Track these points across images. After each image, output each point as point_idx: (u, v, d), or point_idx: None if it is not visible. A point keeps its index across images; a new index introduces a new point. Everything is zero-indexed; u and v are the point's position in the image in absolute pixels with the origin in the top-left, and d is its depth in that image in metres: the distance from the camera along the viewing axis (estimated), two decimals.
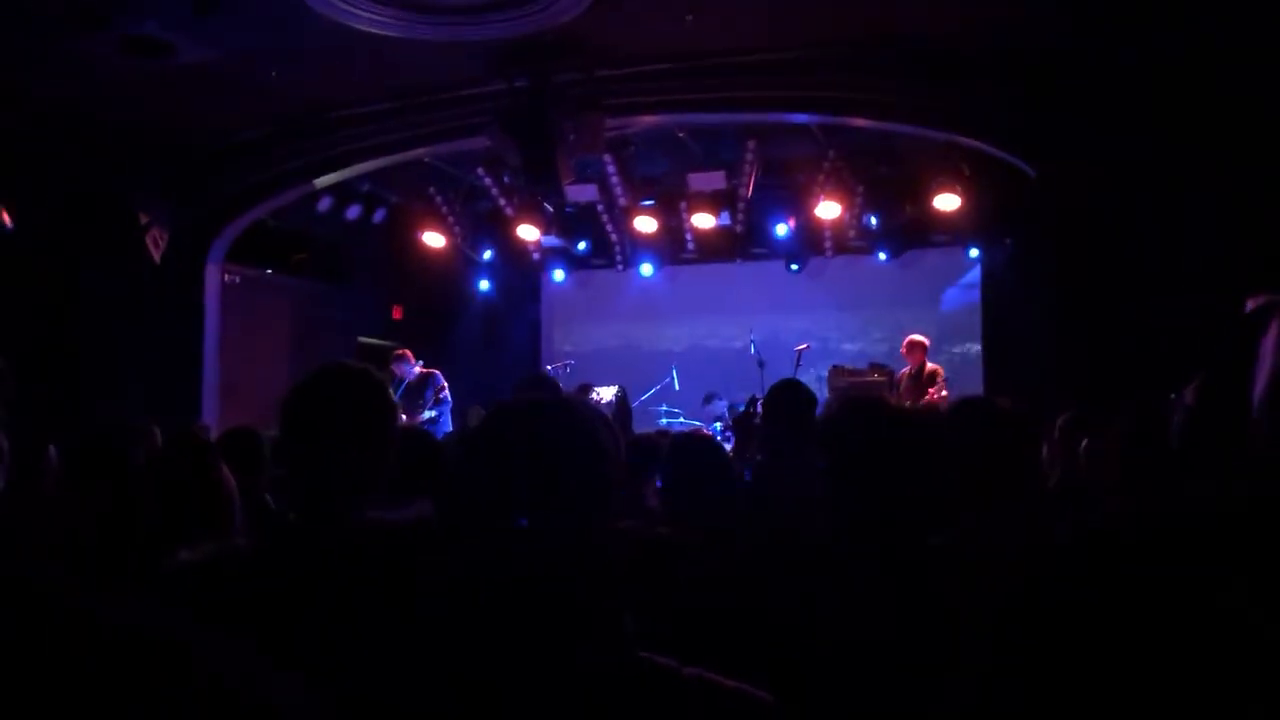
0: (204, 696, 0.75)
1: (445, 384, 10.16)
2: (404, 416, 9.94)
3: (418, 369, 10.21)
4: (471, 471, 1.35)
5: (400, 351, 10.30)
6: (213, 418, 10.40)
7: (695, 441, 3.41)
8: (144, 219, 10.11)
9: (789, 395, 4.14)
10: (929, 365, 10.10)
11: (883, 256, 12.27)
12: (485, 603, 1.28)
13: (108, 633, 0.75)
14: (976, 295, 12.47)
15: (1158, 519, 0.88)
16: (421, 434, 3.42)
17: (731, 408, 11.26)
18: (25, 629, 0.72)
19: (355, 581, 1.66)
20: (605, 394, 10.78)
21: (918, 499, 2.21)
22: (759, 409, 6.13)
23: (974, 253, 12.12)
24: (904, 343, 10.32)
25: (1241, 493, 0.86)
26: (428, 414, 9.97)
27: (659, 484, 3.53)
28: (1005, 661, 0.88)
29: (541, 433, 1.33)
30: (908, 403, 9.74)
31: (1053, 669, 0.84)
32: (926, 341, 10.22)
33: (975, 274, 12.46)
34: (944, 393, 9.58)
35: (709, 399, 11.99)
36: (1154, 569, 0.83)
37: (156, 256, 10.26)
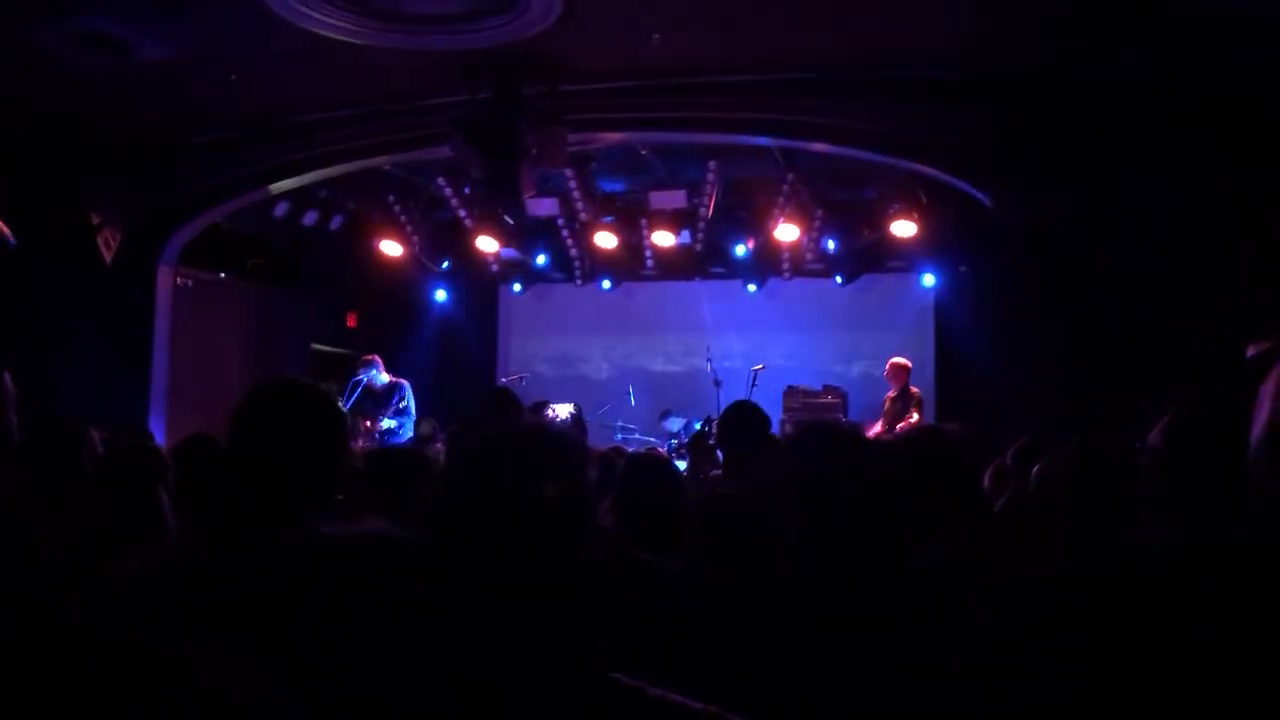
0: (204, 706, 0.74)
1: (411, 397, 10.06)
2: (368, 423, 9.85)
3: (385, 376, 10.10)
4: (462, 497, 1.35)
5: (369, 356, 10.19)
6: (161, 422, 10.24)
7: (650, 461, 3.41)
8: (96, 219, 9.95)
9: (743, 416, 4.15)
10: (911, 388, 10.23)
11: (839, 280, 12.37)
12: (460, 624, 1.27)
13: (106, 642, 0.74)
14: (930, 320, 12.61)
15: (1166, 555, 0.89)
16: (398, 455, 3.38)
17: (687, 426, 11.29)
18: (21, 636, 0.71)
19: (301, 596, 1.64)
20: (561, 411, 10.75)
21: (875, 521, 2.22)
22: (714, 429, 6.14)
23: (929, 279, 12.27)
24: (887, 366, 10.45)
25: (1244, 530, 0.88)
26: (386, 423, 9.87)
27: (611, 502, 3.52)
28: (988, 687, 0.88)
29: (532, 463, 1.33)
30: (886, 424, 9.90)
31: (1038, 700, 0.85)
32: (909, 364, 10.34)
33: (929, 299, 12.61)
34: (914, 417, 9.73)
35: (665, 414, 12.01)
36: (1178, 602, 0.84)
37: (108, 257, 10.09)
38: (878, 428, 9.98)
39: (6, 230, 2.29)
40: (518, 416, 3.85)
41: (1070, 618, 0.86)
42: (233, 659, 0.81)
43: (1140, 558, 0.89)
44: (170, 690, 0.74)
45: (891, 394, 10.31)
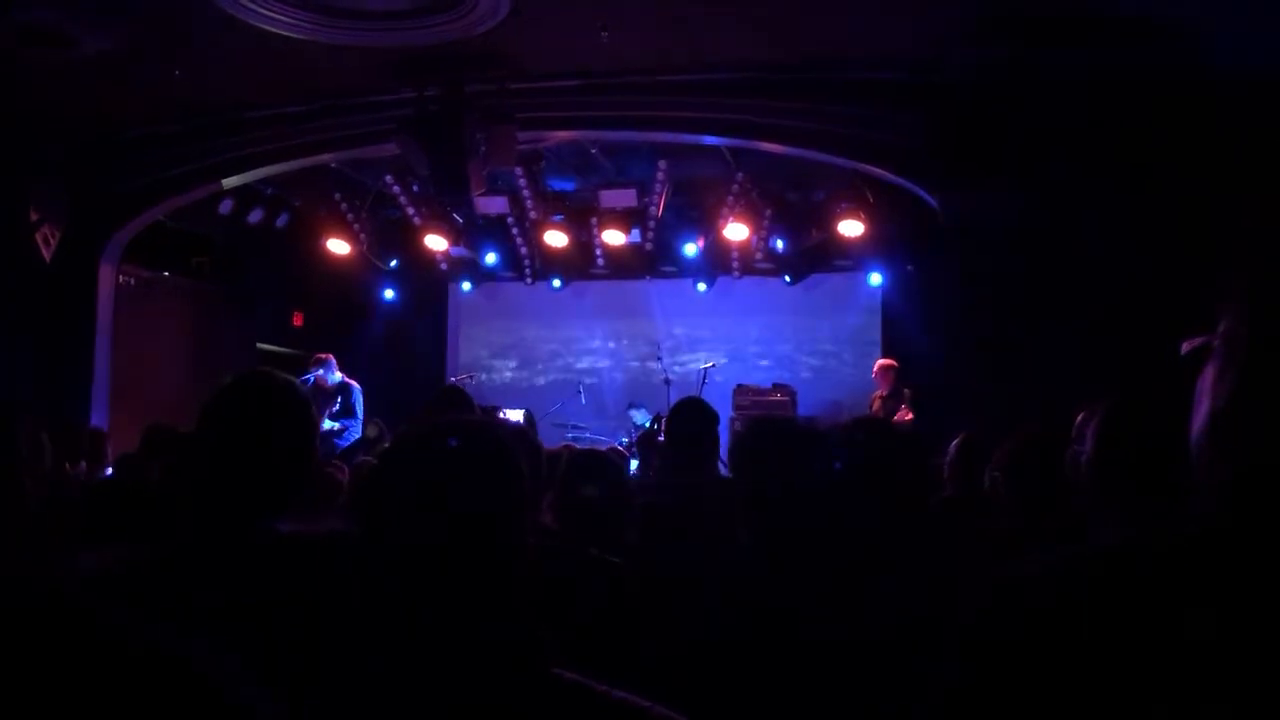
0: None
1: (360, 399, 9.93)
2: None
3: (338, 375, 9.94)
4: (390, 491, 1.35)
5: (324, 355, 10.02)
6: (103, 419, 10.06)
7: (590, 460, 3.42)
8: (35, 215, 9.75)
9: (690, 413, 4.18)
10: (904, 388, 10.34)
11: (788, 279, 12.46)
12: (400, 620, 1.27)
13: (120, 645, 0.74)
14: (878, 319, 12.75)
15: (1127, 547, 0.92)
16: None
17: (656, 417, 11.32)
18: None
19: (266, 595, 1.64)
20: (513, 416, 10.72)
21: (824, 513, 2.26)
22: (663, 426, 6.17)
23: (876, 278, 12.40)
24: (875, 367, 10.58)
25: (1193, 525, 0.91)
26: (326, 424, 9.72)
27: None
28: (959, 681, 0.91)
29: (461, 453, 1.33)
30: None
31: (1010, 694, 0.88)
32: (896, 364, 10.47)
33: (876, 298, 12.75)
34: (909, 416, 9.84)
35: (631, 405, 12.06)
36: (1132, 596, 0.87)
37: (47, 255, 9.90)
38: None
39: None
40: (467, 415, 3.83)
41: (1043, 618, 0.89)
42: (215, 654, 0.82)
43: (1104, 556, 0.92)
44: (158, 689, 0.74)
45: (881, 393, 10.44)
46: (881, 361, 10.68)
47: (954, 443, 4.81)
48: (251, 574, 1.72)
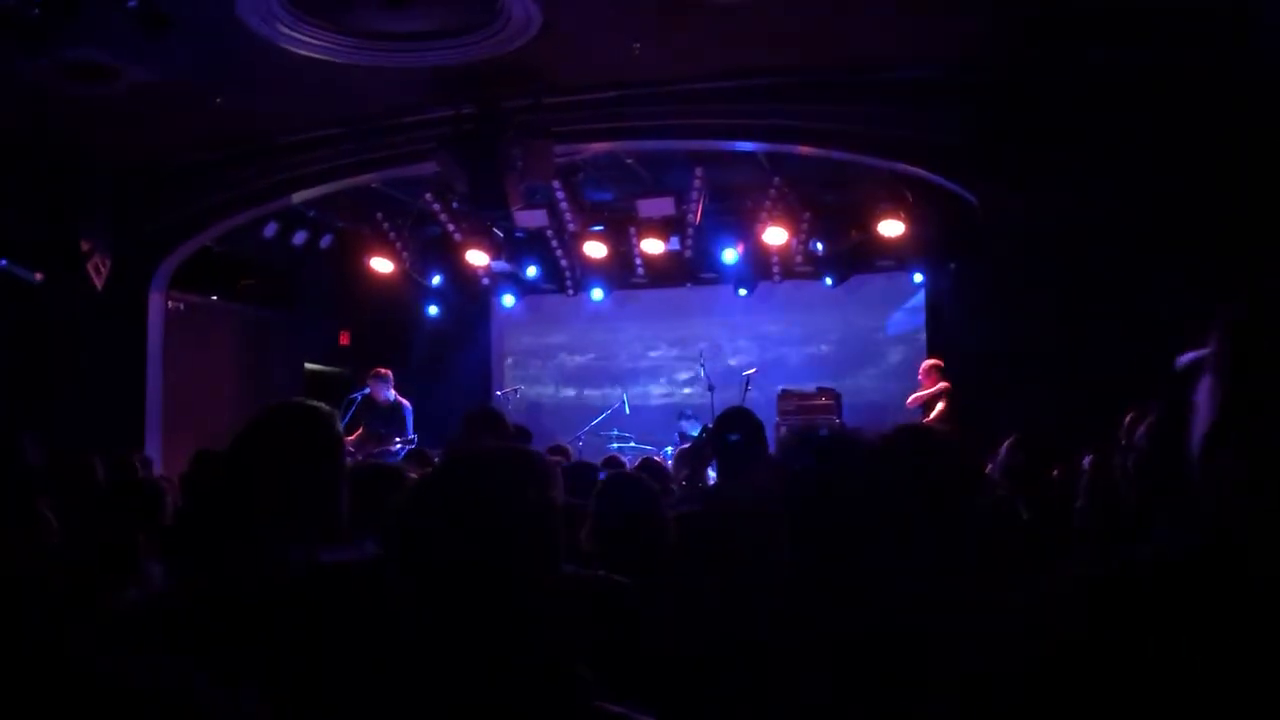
0: None
1: (410, 419, 10.04)
2: (358, 436, 9.82)
3: (392, 394, 10.07)
4: (423, 523, 1.37)
5: (383, 370, 10.15)
6: (156, 447, 10.24)
7: (622, 485, 3.41)
8: (86, 246, 9.95)
9: (736, 423, 4.17)
10: (942, 384, 10.31)
11: (829, 281, 12.39)
12: (433, 651, 1.29)
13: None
14: (922, 319, 12.63)
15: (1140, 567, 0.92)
16: (374, 471, 3.38)
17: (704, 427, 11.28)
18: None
19: (302, 623, 1.66)
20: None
21: (870, 530, 2.23)
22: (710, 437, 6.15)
23: (918, 277, 12.29)
24: (921, 367, 10.53)
25: (1181, 543, 0.91)
26: (399, 445, 9.81)
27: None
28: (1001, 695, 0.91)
29: (492, 487, 1.35)
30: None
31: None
32: (940, 363, 10.43)
33: (920, 298, 12.63)
34: (938, 407, 9.82)
35: (682, 415, 12.04)
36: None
37: (99, 284, 10.10)
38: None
39: (25, 270, 2.31)
40: (501, 437, 3.84)
41: (1093, 627, 0.88)
42: (223, 691, 0.83)
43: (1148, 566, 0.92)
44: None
45: (924, 391, 10.40)
46: (927, 361, 10.62)
47: (1005, 444, 4.76)
48: (284, 604, 1.74)
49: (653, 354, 13.99)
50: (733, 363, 12.55)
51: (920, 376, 10.46)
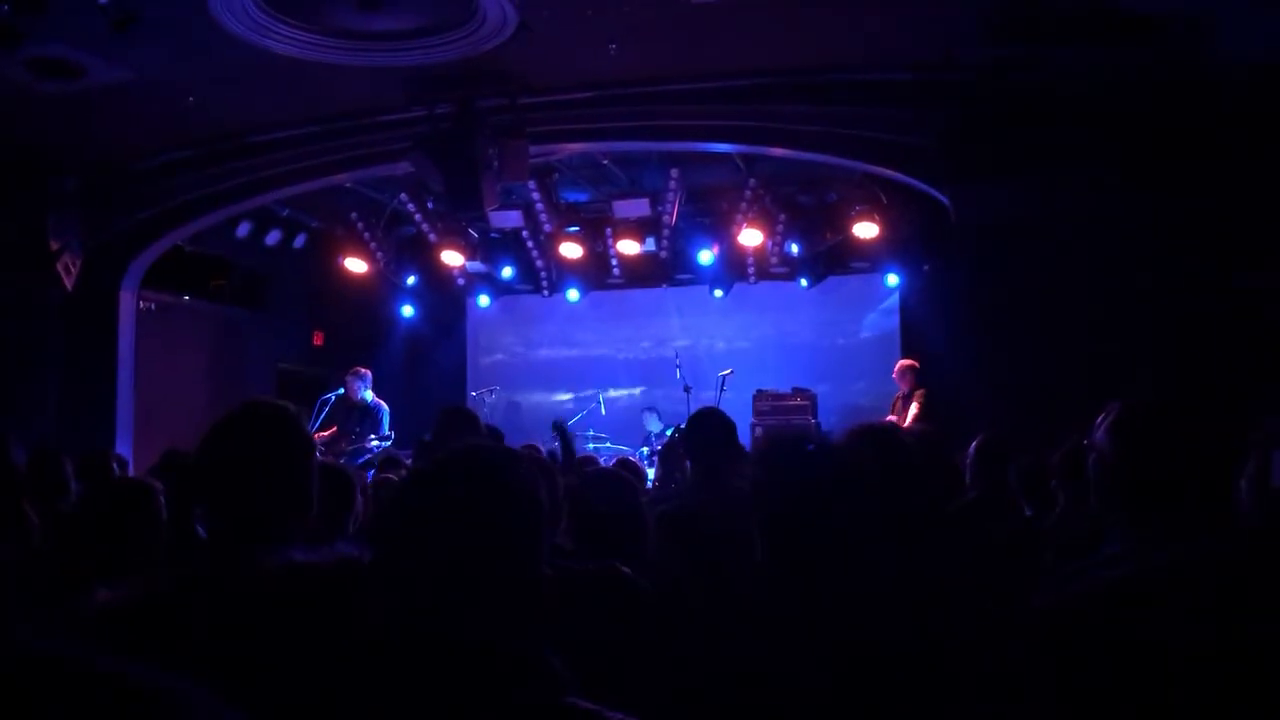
0: None
1: (386, 419, 10.01)
2: (332, 434, 9.79)
3: (370, 394, 10.03)
4: (405, 521, 1.37)
5: (361, 369, 10.12)
6: (128, 447, 10.14)
7: (603, 483, 3.42)
8: (55, 244, 9.85)
9: (708, 424, 4.18)
10: (917, 388, 10.37)
11: (804, 283, 12.44)
12: (411, 648, 1.29)
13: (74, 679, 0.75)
14: (896, 320, 12.71)
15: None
16: (337, 472, 3.37)
17: (663, 431, 11.31)
18: None
19: (276, 626, 1.65)
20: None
21: (838, 531, 2.25)
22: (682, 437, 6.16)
23: (893, 279, 12.36)
24: (896, 367, 10.60)
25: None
26: (374, 442, 9.80)
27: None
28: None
29: (477, 485, 1.35)
30: (896, 420, 10.06)
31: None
32: (916, 364, 10.49)
33: (894, 299, 12.71)
34: (915, 412, 9.88)
35: (647, 410, 12.07)
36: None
37: (69, 284, 10.00)
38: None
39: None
40: (474, 437, 3.84)
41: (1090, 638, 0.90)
42: (200, 692, 0.83)
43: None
44: None
45: (903, 392, 10.48)
46: (902, 362, 10.68)
47: (973, 444, 4.79)
48: (259, 605, 1.74)
49: (629, 355, 13.99)
50: (709, 363, 12.57)
51: (895, 377, 10.53)
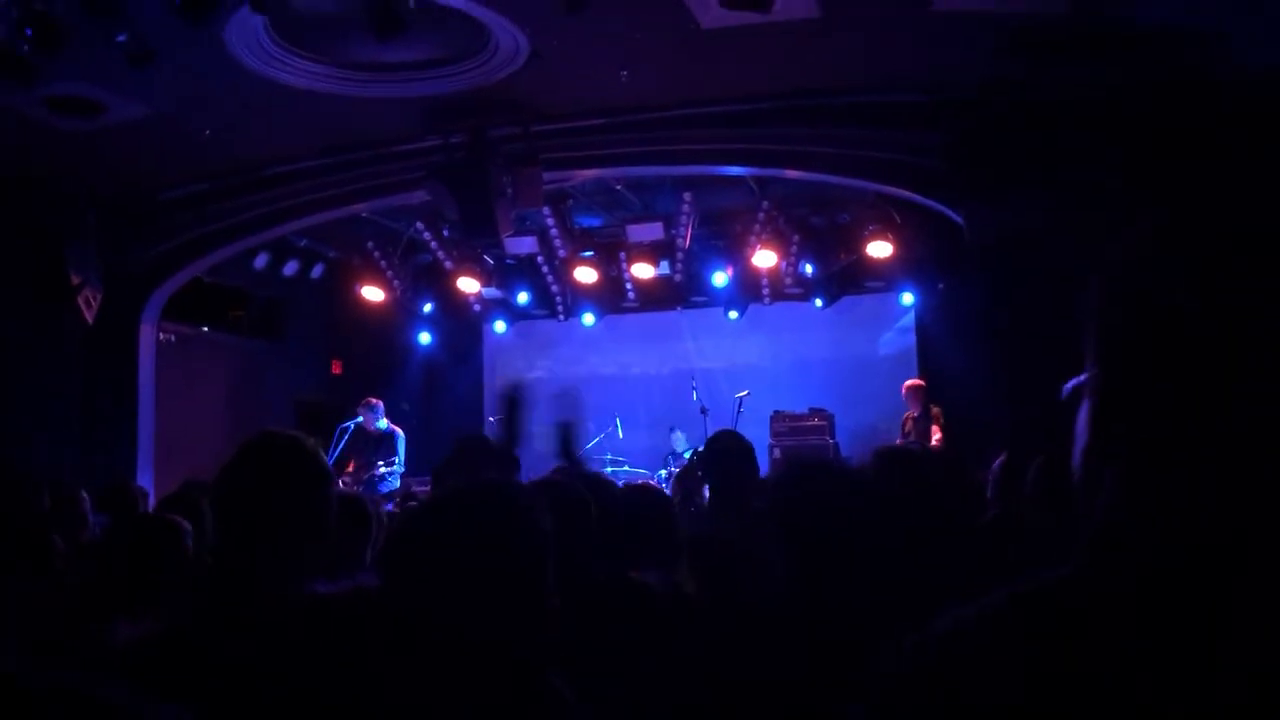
0: None
1: (403, 448, 10.10)
2: (353, 467, 9.87)
3: (384, 422, 10.13)
4: (413, 555, 1.39)
5: (373, 400, 10.23)
6: (148, 478, 10.20)
7: (646, 496, 3.44)
8: (76, 279, 9.95)
9: (726, 447, 4.18)
10: (932, 408, 10.43)
11: (819, 303, 12.44)
12: (426, 675, 1.30)
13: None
14: (912, 338, 12.68)
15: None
16: (354, 500, 3.39)
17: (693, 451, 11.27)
18: None
19: (297, 658, 1.66)
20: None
21: (860, 553, 2.25)
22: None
23: (908, 298, 12.35)
24: (904, 388, 10.64)
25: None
26: (382, 469, 9.89)
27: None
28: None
29: (483, 521, 1.37)
30: (907, 441, 10.14)
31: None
32: (924, 383, 10.53)
33: (910, 318, 12.68)
34: (938, 433, 9.86)
35: (674, 429, 12.03)
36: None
37: (90, 317, 10.09)
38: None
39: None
40: (489, 464, 3.85)
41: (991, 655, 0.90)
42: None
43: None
44: None
45: (913, 414, 10.52)
46: (910, 382, 10.71)
47: (996, 462, 4.77)
48: (279, 638, 1.75)
49: (645, 378, 13.98)
50: (725, 385, 12.55)
51: (904, 396, 10.54)
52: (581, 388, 14.04)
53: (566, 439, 3.65)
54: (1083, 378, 1.05)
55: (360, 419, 10.13)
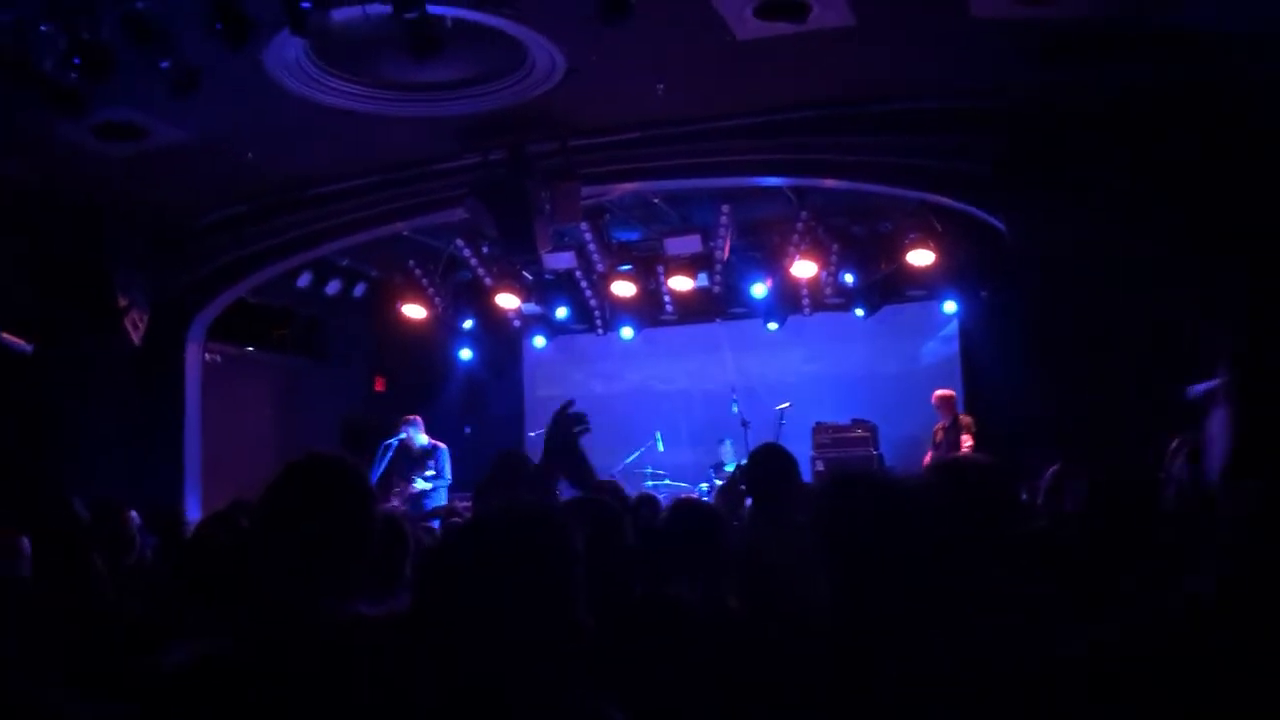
0: None
1: (448, 462, 10.18)
2: (400, 485, 9.96)
3: (424, 438, 10.22)
4: (445, 577, 1.38)
5: (411, 416, 10.35)
6: (195, 497, 10.32)
7: (694, 511, 3.43)
8: (123, 301, 10.11)
9: (769, 460, 4.15)
10: (961, 416, 10.48)
11: (860, 312, 12.36)
12: (464, 696, 1.29)
13: None
14: (955, 347, 12.55)
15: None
16: (391, 520, 3.39)
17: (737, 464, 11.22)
18: None
19: (340, 679, 1.66)
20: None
21: (908, 566, 2.22)
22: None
23: (950, 306, 12.23)
24: (934, 398, 10.67)
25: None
26: (420, 484, 9.96)
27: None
28: None
29: (515, 543, 1.36)
30: (942, 453, 10.11)
31: None
32: (953, 394, 10.56)
33: (953, 326, 12.56)
34: (968, 442, 9.83)
35: (721, 441, 11.95)
36: None
37: (136, 339, 10.24)
38: (928, 457, 10.21)
39: (17, 340, 2.35)
40: (527, 481, 3.85)
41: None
42: None
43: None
44: None
45: (944, 424, 10.52)
46: (939, 392, 10.69)
47: (1049, 472, 4.72)
48: (324, 659, 1.74)
49: (684, 391, 13.94)
50: (766, 397, 12.48)
51: (935, 407, 10.51)
52: (620, 401, 14.11)
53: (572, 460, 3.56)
54: (1214, 383, 1.03)
55: (404, 435, 10.22)
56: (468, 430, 12.94)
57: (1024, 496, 4.85)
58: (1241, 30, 6.76)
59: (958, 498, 2.69)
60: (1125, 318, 7.99)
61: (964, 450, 9.76)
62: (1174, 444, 2.76)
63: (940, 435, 10.47)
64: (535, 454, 4.01)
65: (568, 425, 3.40)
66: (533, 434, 13.49)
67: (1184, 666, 0.84)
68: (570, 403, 3.29)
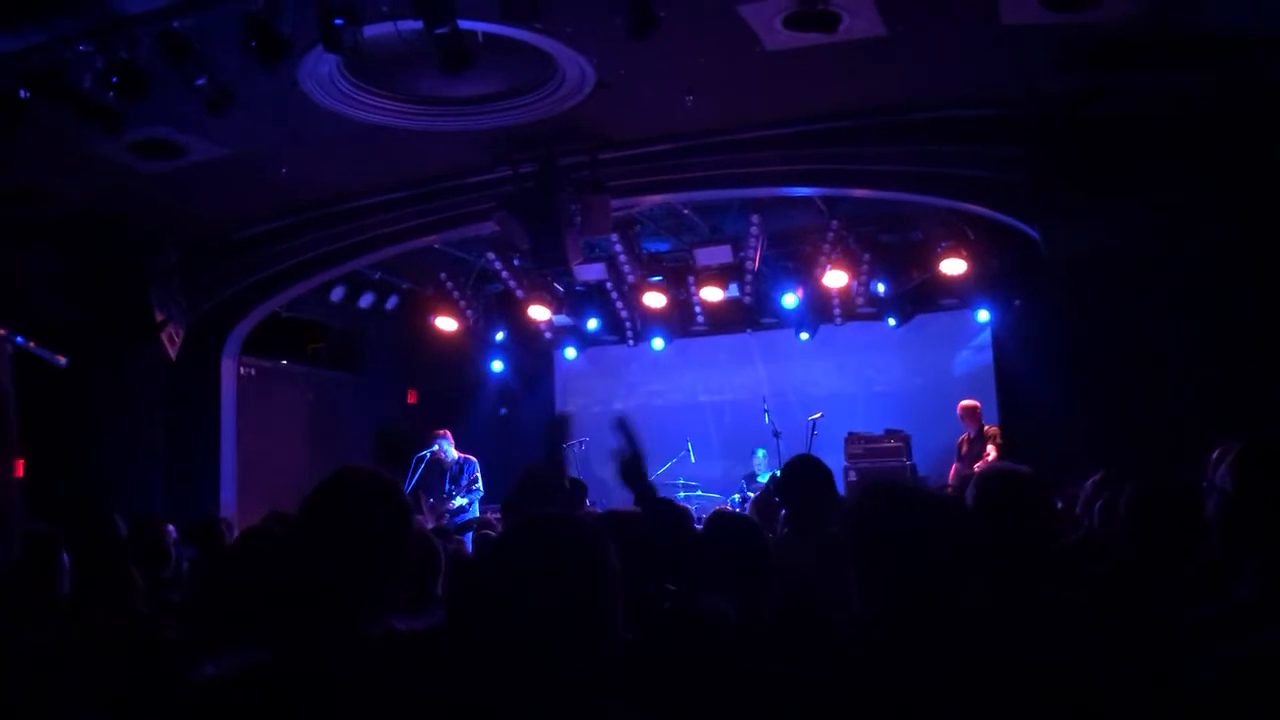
0: None
1: (479, 474, 10.17)
2: (432, 500, 9.95)
3: (455, 452, 10.22)
4: (479, 592, 1.38)
5: (441, 431, 10.34)
6: (231, 510, 10.40)
7: (733, 524, 3.43)
8: (160, 316, 10.22)
9: (803, 472, 4.13)
10: (986, 427, 10.47)
11: (892, 322, 12.29)
12: (501, 711, 1.29)
13: None
14: (988, 356, 12.42)
15: None
16: (422, 536, 3.41)
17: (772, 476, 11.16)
18: None
19: (377, 695, 1.66)
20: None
21: (943, 578, 2.20)
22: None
23: (983, 315, 12.12)
24: (959, 409, 10.67)
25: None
26: (458, 501, 9.95)
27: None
28: None
29: (547, 555, 1.36)
30: (968, 465, 10.17)
31: None
32: (979, 404, 10.55)
33: (986, 336, 12.44)
34: (991, 453, 9.80)
35: (756, 449, 11.89)
36: None
37: (172, 353, 10.35)
38: (954, 469, 10.14)
39: (52, 354, 2.38)
40: (557, 493, 3.86)
41: None
42: None
43: None
44: None
45: (969, 435, 10.48)
46: (964, 403, 10.68)
47: (1089, 482, 4.68)
48: (360, 674, 1.75)
49: (715, 402, 13.92)
50: (797, 408, 12.43)
51: (960, 417, 10.43)
52: (652, 411, 14.09)
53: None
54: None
55: (435, 448, 10.21)
56: (504, 412, 12.94)
57: (1060, 505, 4.82)
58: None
59: (993, 508, 2.67)
60: (1161, 327, 7.90)
61: (989, 460, 9.70)
62: (1215, 453, 2.71)
63: (965, 447, 10.42)
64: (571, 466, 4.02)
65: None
66: (563, 445, 13.50)
67: None
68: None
